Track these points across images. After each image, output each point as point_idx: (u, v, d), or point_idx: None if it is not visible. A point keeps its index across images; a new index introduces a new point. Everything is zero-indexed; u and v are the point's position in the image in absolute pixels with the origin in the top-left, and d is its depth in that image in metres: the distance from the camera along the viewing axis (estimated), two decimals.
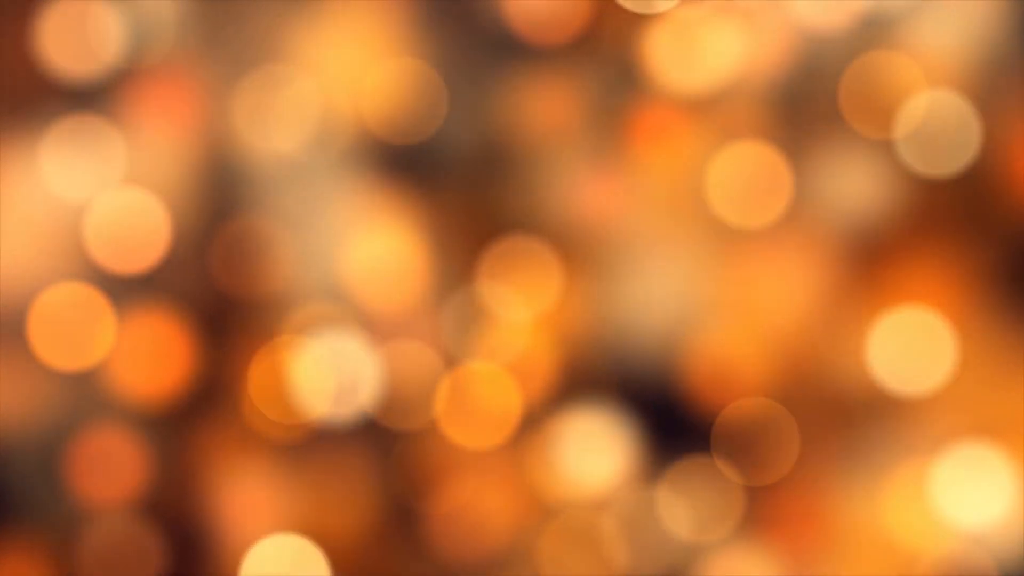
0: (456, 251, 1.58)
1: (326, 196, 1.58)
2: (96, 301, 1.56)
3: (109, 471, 1.56)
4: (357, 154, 1.58)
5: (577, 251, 1.57)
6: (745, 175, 1.56)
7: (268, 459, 1.57)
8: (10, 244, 1.56)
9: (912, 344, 1.55)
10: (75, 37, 1.57)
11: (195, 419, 1.57)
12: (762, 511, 1.57)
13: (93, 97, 1.58)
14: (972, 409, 1.56)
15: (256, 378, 1.57)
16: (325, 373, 1.56)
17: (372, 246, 1.58)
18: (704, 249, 1.57)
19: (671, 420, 1.57)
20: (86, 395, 1.57)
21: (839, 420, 1.57)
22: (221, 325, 1.57)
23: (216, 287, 1.57)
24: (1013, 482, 1.54)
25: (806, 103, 1.57)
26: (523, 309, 1.56)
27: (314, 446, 1.57)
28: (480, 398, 1.56)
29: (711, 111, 1.56)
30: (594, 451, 1.56)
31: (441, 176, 1.58)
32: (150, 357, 1.57)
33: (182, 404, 1.57)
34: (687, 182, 1.57)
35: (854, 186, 1.56)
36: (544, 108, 1.58)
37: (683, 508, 1.57)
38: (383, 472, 1.57)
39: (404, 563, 1.57)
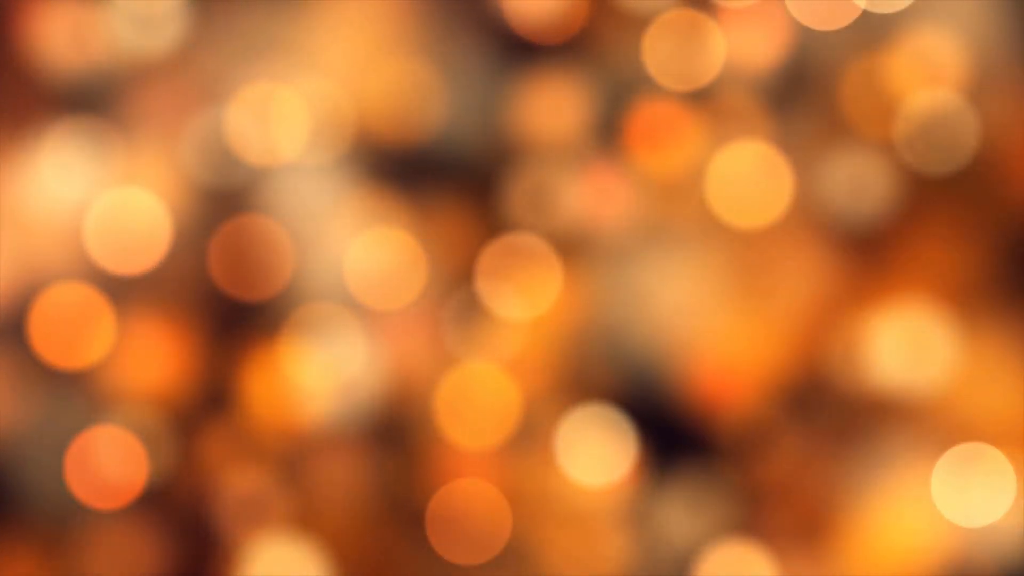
0: (456, 251, 1.58)
1: (327, 196, 1.58)
2: (96, 301, 1.56)
3: (109, 471, 1.56)
4: (357, 154, 1.58)
5: (577, 251, 1.57)
6: (745, 174, 1.56)
7: (268, 459, 1.57)
8: (10, 244, 1.56)
9: (912, 343, 1.55)
10: (74, 37, 1.57)
11: (195, 419, 1.57)
12: (762, 511, 1.57)
13: (93, 97, 1.58)
14: (973, 408, 1.56)
15: (256, 378, 1.57)
16: (325, 373, 1.56)
17: (372, 246, 1.58)
18: (704, 249, 1.57)
19: (671, 420, 1.57)
20: (86, 395, 1.57)
21: (840, 419, 1.57)
22: (221, 325, 1.58)
23: (216, 287, 1.57)
24: (1013, 482, 1.54)
25: (806, 102, 1.57)
26: (523, 309, 1.57)
27: (314, 446, 1.57)
28: (480, 398, 1.56)
29: (711, 110, 1.56)
30: (594, 451, 1.56)
31: (441, 175, 1.58)
32: (150, 357, 1.57)
33: (182, 404, 1.57)
34: (687, 181, 1.57)
35: (853, 185, 1.56)
36: (544, 108, 1.58)
37: (683, 508, 1.56)
38: (383, 472, 1.57)
39: (404, 563, 1.57)
